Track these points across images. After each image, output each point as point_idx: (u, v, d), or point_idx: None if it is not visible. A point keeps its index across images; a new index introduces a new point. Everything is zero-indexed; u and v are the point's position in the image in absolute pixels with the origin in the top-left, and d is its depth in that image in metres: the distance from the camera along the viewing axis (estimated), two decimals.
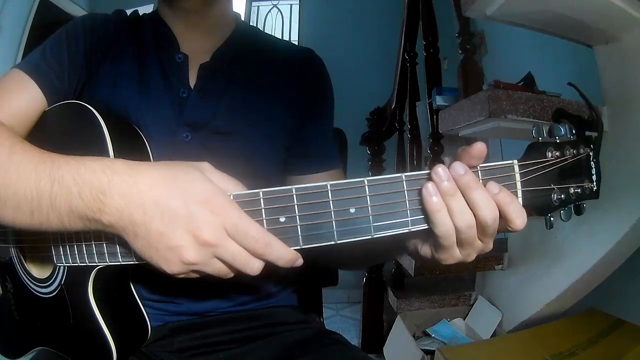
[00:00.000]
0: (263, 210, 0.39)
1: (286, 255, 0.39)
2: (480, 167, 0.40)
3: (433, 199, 0.37)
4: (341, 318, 2.53)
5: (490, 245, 0.42)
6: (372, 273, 1.94)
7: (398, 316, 1.62)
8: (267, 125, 0.64)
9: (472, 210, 0.38)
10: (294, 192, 0.39)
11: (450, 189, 0.37)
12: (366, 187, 0.39)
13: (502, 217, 0.39)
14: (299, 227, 0.39)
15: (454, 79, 1.61)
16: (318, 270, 0.89)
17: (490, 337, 1.42)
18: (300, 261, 0.40)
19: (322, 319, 0.86)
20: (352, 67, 2.58)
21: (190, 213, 0.37)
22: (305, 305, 0.75)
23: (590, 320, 1.21)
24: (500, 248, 1.51)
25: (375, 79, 2.54)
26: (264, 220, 0.39)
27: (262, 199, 0.39)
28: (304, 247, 0.40)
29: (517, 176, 0.40)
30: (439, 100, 1.58)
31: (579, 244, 1.19)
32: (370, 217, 0.39)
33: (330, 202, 0.39)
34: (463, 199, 0.38)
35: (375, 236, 0.39)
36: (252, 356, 0.60)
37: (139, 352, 0.59)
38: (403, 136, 2.08)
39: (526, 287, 1.37)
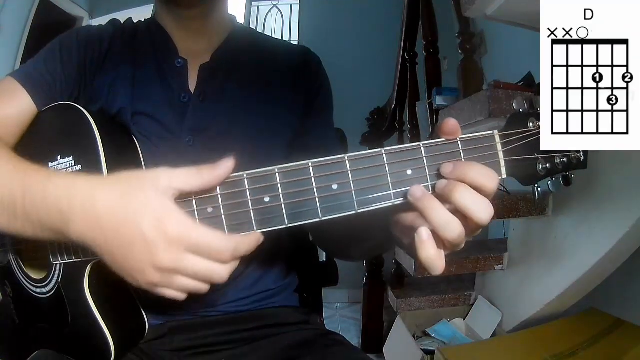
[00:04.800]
0: (248, 190, 0.40)
1: (252, 244, 0.40)
2: (459, 138, 0.40)
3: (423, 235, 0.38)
4: (341, 318, 2.53)
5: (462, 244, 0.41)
6: (372, 273, 1.94)
7: (398, 316, 1.62)
8: (269, 124, 0.64)
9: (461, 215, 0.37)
10: (276, 171, 0.40)
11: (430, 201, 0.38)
12: (347, 162, 0.39)
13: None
14: (283, 205, 0.40)
15: (454, 79, 1.61)
16: (318, 269, 0.89)
17: (490, 337, 1.42)
18: (261, 238, 0.41)
19: (322, 319, 0.86)
20: (352, 67, 2.58)
21: (147, 241, 0.38)
22: (305, 306, 0.75)
23: (590, 320, 1.21)
24: (500, 248, 1.52)
25: (375, 79, 2.54)
26: (249, 201, 0.40)
27: (246, 180, 0.40)
28: (289, 225, 0.40)
29: (499, 146, 0.40)
30: (439, 100, 1.59)
31: (579, 244, 1.19)
32: (353, 192, 0.39)
33: (313, 179, 0.39)
34: (444, 209, 0.37)
35: (359, 211, 0.40)
36: (252, 357, 0.60)
37: (139, 350, 0.59)
38: (403, 136, 2.08)
39: (526, 287, 1.37)
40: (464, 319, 1.59)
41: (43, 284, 0.56)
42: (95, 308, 0.50)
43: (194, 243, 0.38)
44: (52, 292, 0.55)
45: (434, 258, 0.38)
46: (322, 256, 0.90)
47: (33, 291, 0.58)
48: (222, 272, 0.40)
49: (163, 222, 0.38)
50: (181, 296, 0.41)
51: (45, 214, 0.41)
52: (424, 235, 0.38)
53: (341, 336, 0.65)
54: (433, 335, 1.52)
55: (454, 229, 0.37)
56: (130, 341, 0.55)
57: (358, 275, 2.03)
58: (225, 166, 0.39)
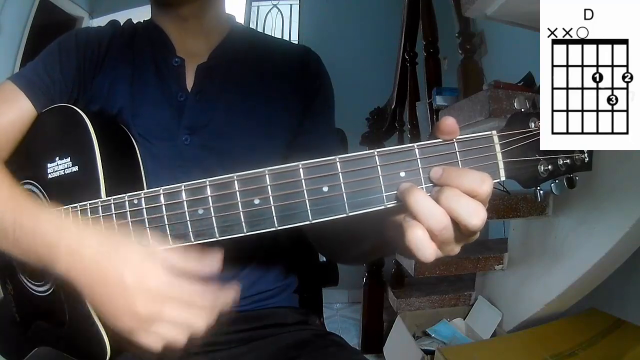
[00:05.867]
0: (237, 193, 0.40)
1: (230, 297, 0.43)
2: (456, 139, 0.38)
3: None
4: (341, 318, 2.53)
5: (457, 250, 0.39)
6: (372, 273, 1.94)
7: (398, 316, 1.62)
8: (267, 123, 0.64)
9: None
10: (266, 172, 0.39)
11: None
12: (338, 164, 0.38)
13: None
14: (273, 207, 0.39)
15: (454, 79, 1.61)
16: (318, 269, 0.89)
17: (490, 337, 1.42)
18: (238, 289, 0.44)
19: (322, 320, 0.86)
20: (352, 67, 2.58)
21: (126, 289, 0.40)
22: (305, 306, 0.75)
23: (590, 320, 1.21)
24: (500, 248, 1.51)
25: (375, 79, 2.54)
26: (239, 203, 0.40)
27: (236, 181, 0.40)
28: (279, 227, 0.40)
29: (497, 147, 0.38)
30: (439, 100, 1.59)
31: (579, 244, 1.18)
32: (344, 194, 0.38)
33: (303, 181, 0.39)
34: (428, 199, 0.36)
35: (350, 214, 0.39)
36: (249, 357, 0.60)
37: (135, 349, 0.59)
38: (403, 136, 2.08)
39: (526, 287, 1.37)
40: (464, 319, 1.59)
41: (41, 282, 0.56)
42: (91, 307, 0.50)
43: (177, 296, 0.41)
44: (50, 290, 0.55)
45: (422, 238, 0.36)
46: (322, 256, 0.90)
47: (32, 289, 0.58)
48: (200, 322, 0.42)
49: (146, 274, 0.41)
50: (156, 347, 0.42)
51: (34, 246, 0.44)
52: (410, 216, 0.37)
53: (339, 337, 0.65)
54: (433, 335, 1.51)
55: (439, 220, 0.36)
56: (126, 341, 0.55)
57: (358, 275, 2.03)
58: (211, 263, 0.42)
